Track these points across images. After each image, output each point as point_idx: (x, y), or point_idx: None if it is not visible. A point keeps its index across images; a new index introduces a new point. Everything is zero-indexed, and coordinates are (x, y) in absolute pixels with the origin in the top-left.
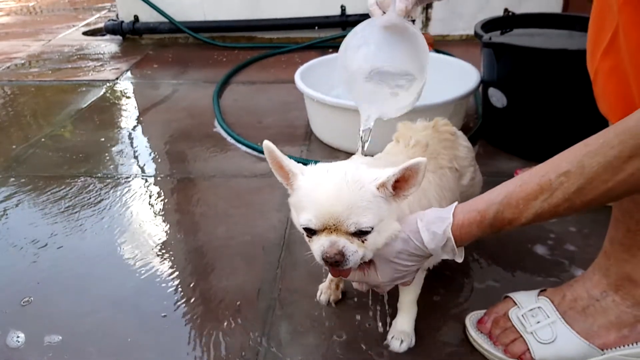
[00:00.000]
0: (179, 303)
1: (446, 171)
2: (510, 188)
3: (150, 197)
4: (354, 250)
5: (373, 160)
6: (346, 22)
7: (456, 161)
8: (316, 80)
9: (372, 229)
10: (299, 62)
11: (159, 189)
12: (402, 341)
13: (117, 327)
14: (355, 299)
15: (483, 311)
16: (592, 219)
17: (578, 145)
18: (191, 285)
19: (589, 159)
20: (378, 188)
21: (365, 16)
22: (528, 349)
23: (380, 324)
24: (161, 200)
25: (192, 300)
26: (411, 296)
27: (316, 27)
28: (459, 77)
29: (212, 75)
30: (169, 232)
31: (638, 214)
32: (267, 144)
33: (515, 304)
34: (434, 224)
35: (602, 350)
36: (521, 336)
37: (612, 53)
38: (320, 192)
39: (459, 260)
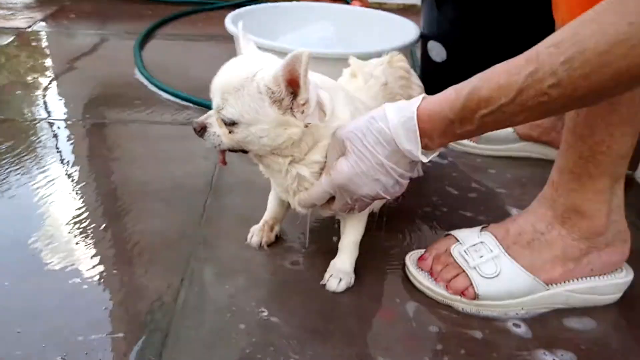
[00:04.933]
0: (87, 247)
1: None
2: (496, 66)
3: (57, 140)
4: (215, 133)
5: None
6: None
7: (413, 89)
8: (250, 28)
9: (235, 123)
10: None
11: (68, 133)
12: (340, 280)
13: (18, 271)
14: (290, 243)
15: (424, 250)
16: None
17: (577, 18)
18: (101, 228)
19: (583, 27)
20: (268, 86)
21: None
22: (471, 284)
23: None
24: (70, 144)
25: (102, 243)
26: (354, 237)
27: None
28: (399, 31)
29: (135, 27)
30: (77, 175)
31: (591, 140)
32: (239, 26)
33: (457, 240)
34: (401, 104)
35: (547, 285)
36: (464, 271)
37: None
38: (222, 67)
39: (425, 159)
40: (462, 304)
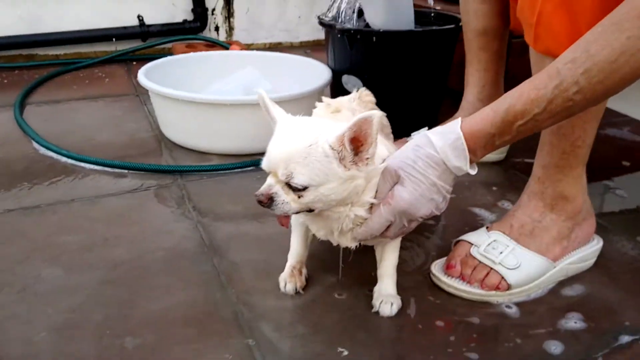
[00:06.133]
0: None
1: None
2: (521, 85)
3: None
4: (284, 201)
5: None
6: (148, 32)
7: (384, 130)
8: (161, 80)
9: (305, 187)
10: (103, 77)
11: None
12: (392, 304)
13: None
14: (318, 281)
15: (442, 259)
16: None
17: (578, 41)
18: (126, 316)
19: (592, 45)
20: (333, 148)
21: (166, 25)
22: (502, 278)
23: (357, 298)
24: (6, 239)
25: (139, 333)
26: (393, 260)
27: (114, 39)
28: (315, 72)
29: None
30: (45, 274)
31: (572, 137)
32: (259, 91)
33: (471, 244)
34: (442, 129)
35: (554, 262)
36: (491, 269)
37: None
38: (275, 137)
39: (473, 171)
40: (497, 297)
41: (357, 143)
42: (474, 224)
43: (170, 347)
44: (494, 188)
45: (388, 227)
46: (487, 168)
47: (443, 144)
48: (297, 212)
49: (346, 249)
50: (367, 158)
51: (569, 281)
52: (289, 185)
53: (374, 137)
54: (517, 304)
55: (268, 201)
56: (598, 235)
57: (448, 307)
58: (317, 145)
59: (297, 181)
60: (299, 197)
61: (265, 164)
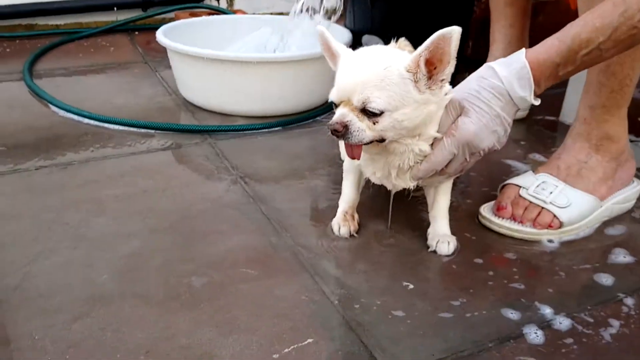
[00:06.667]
0: (182, 284)
1: None
2: (585, 15)
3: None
4: (359, 128)
5: None
6: (149, 1)
7: None
8: (186, 41)
9: (382, 112)
10: (108, 46)
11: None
12: (449, 243)
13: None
14: (372, 227)
15: (490, 203)
16: None
17: None
18: (186, 259)
19: None
20: (408, 70)
21: None
22: (555, 216)
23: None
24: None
25: (204, 273)
26: (446, 202)
27: (115, 9)
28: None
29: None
30: (94, 223)
31: (621, 75)
32: (319, 27)
33: (520, 186)
34: (506, 60)
35: (601, 201)
36: (543, 208)
37: None
38: (345, 67)
39: (537, 102)
40: (549, 235)
41: (430, 66)
42: (510, 174)
43: (237, 284)
44: (522, 142)
45: (449, 162)
46: (513, 125)
47: (508, 73)
48: (369, 142)
49: (396, 193)
50: (442, 80)
51: (611, 222)
52: (364, 112)
53: (452, 55)
54: (566, 242)
55: (343, 129)
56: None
57: (499, 246)
58: (393, 67)
59: (374, 105)
60: (374, 123)
61: (335, 94)
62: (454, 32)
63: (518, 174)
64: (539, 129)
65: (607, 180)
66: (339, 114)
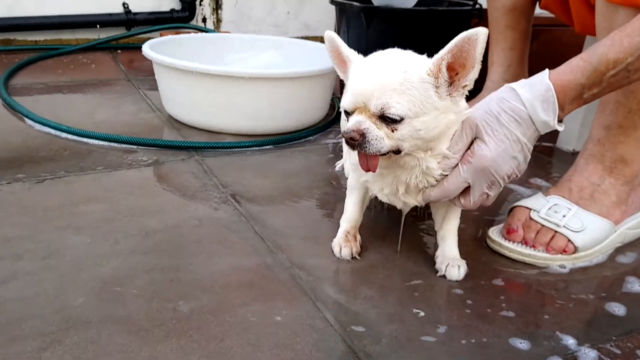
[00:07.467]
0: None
1: None
2: (612, 35)
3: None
4: (377, 136)
5: None
6: (134, 20)
7: None
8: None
9: (402, 118)
10: (89, 63)
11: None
12: (459, 267)
13: None
14: (376, 249)
15: (498, 226)
16: None
17: None
18: (172, 281)
19: None
20: (429, 74)
21: (152, 14)
22: (569, 240)
23: (417, 263)
24: (19, 208)
25: (192, 296)
26: (455, 224)
27: (98, 26)
28: (319, 55)
29: None
30: (71, 242)
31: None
32: (328, 32)
33: (530, 209)
34: (529, 81)
35: (616, 225)
36: (556, 232)
37: None
38: (359, 73)
39: (561, 128)
40: (562, 261)
41: (452, 71)
42: (514, 199)
43: (232, 309)
44: None
45: (465, 191)
46: None
47: (531, 96)
48: (386, 153)
49: (406, 215)
50: (465, 86)
51: (622, 249)
52: (381, 118)
53: (478, 59)
54: (578, 269)
55: (360, 137)
56: None
57: (509, 271)
58: (413, 71)
59: (394, 111)
60: (393, 130)
61: (349, 100)
62: (480, 34)
63: (523, 198)
64: (537, 155)
65: (620, 205)
66: (355, 121)
